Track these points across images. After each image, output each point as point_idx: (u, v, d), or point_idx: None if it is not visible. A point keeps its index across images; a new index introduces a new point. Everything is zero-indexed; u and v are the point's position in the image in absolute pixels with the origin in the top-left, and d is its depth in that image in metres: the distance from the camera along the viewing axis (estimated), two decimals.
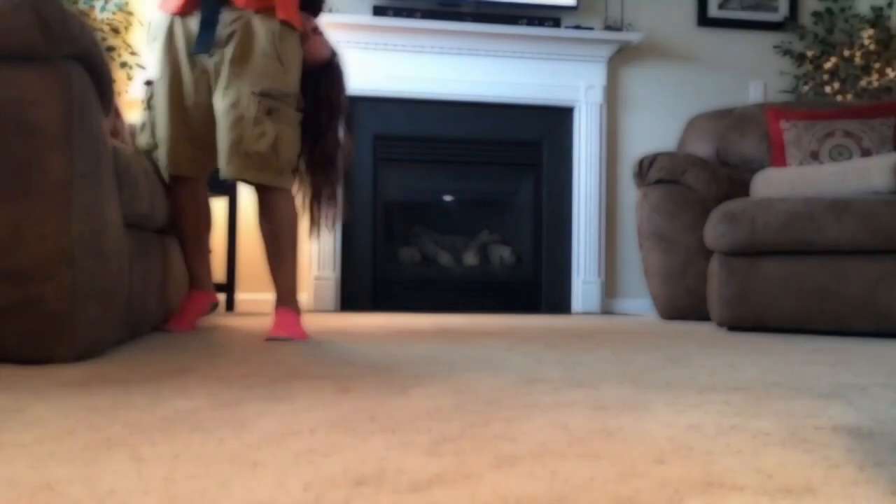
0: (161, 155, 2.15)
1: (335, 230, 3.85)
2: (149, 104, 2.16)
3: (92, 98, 1.51)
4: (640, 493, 0.63)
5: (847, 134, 3.14)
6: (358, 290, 3.95)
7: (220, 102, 2.05)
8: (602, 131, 4.15)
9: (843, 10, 4.22)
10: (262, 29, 2.03)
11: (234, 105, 2.01)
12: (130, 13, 3.70)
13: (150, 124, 2.16)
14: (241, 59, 2.02)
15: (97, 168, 1.50)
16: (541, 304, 4.16)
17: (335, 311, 3.84)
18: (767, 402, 1.12)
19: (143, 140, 2.18)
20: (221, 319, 2.95)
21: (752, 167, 3.50)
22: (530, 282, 4.18)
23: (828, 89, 4.08)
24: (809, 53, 4.15)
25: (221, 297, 3.63)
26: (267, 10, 2.03)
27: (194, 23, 2.07)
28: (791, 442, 0.84)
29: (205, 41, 2.04)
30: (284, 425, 0.89)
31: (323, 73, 2.27)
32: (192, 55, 2.07)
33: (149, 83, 2.16)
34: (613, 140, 4.22)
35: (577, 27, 4.05)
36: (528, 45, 4.03)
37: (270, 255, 2.15)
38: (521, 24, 4.01)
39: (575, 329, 2.71)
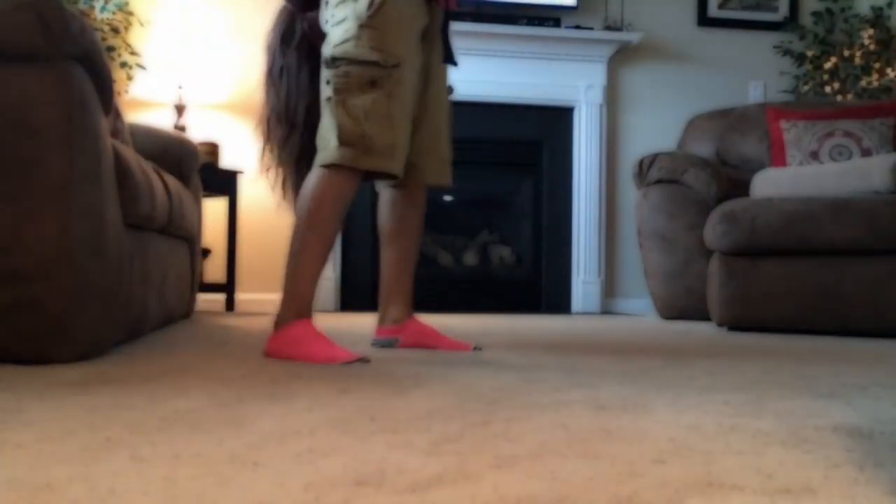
0: (398, 154, 1.71)
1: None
2: (389, 91, 1.68)
3: (92, 98, 1.51)
4: (640, 493, 0.63)
5: (847, 134, 3.14)
6: (358, 290, 3.95)
7: (444, 108, 1.93)
8: (602, 131, 4.15)
9: (843, 10, 4.22)
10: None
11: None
12: (130, 13, 3.70)
13: (391, 116, 1.68)
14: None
15: (97, 168, 1.50)
16: (541, 304, 4.16)
17: (335, 311, 3.84)
18: (767, 402, 1.12)
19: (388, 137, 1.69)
20: (221, 319, 2.95)
21: (752, 167, 3.50)
22: (530, 282, 4.18)
23: (828, 89, 4.08)
24: (809, 53, 4.16)
25: (221, 297, 3.64)
26: None
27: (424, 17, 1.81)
28: (791, 442, 0.84)
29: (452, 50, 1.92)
30: (284, 425, 0.89)
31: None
32: (426, 59, 1.84)
33: (376, 64, 1.67)
34: (613, 140, 4.22)
35: (577, 27, 4.05)
36: (528, 45, 4.03)
37: (413, 254, 1.99)
38: (521, 24, 4.01)
39: (575, 329, 2.71)
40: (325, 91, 1.69)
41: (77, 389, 1.13)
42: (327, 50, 1.70)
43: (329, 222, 1.68)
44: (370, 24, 1.66)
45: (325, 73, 1.70)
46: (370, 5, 1.66)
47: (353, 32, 1.67)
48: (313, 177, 1.69)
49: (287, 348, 1.59)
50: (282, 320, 1.63)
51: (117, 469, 0.68)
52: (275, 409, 0.99)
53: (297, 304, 1.64)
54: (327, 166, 1.67)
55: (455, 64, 1.94)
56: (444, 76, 1.94)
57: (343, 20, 1.69)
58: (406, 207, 1.98)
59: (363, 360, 1.52)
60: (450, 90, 1.99)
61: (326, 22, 1.76)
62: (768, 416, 1.00)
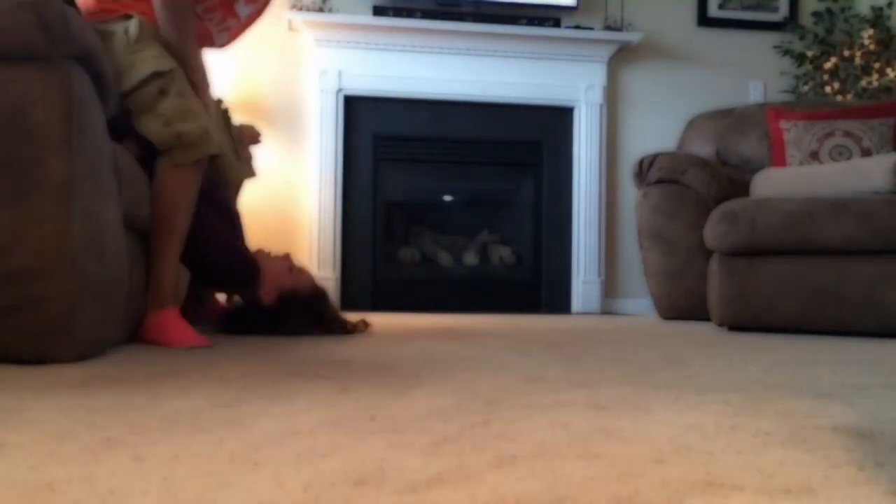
0: (210, 136, 1.96)
1: (335, 231, 3.87)
2: (178, 91, 1.94)
3: (92, 98, 1.51)
4: (640, 493, 0.63)
5: (847, 134, 3.14)
6: (358, 290, 3.95)
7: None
8: (602, 131, 4.15)
9: (843, 10, 4.22)
10: None
11: None
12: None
13: (190, 110, 1.95)
14: None
15: (97, 168, 1.50)
16: (541, 304, 4.16)
17: None
18: (767, 402, 1.12)
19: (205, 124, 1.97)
20: None
21: (752, 167, 3.50)
22: (530, 282, 4.18)
23: (828, 89, 4.08)
24: (809, 53, 4.16)
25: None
26: None
27: None
28: (791, 442, 0.84)
29: None
30: (284, 425, 0.89)
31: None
32: None
33: (156, 74, 1.91)
34: (613, 140, 4.22)
35: (577, 27, 4.05)
36: (528, 45, 4.03)
37: None
38: (521, 24, 4.01)
39: (575, 329, 2.71)
40: (134, 118, 1.92)
41: (77, 389, 1.13)
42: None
43: (182, 218, 1.95)
44: (134, 49, 1.91)
45: (125, 104, 1.92)
46: (128, 39, 1.91)
47: (129, 65, 1.90)
48: (158, 183, 1.93)
49: (156, 332, 1.85)
50: (152, 309, 1.89)
51: (117, 469, 0.68)
52: (275, 409, 0.99)
53: (164, 294, 1.90)
54: (163, 170, 1.92)
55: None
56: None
57: (120, 67, 1.91)
58: None
59: (206, 346, 1.81)
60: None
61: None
62: (768, 416, 1.00)
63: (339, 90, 3.90)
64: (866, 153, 3.07)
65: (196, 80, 2.06)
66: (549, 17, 4.07)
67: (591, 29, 4.06)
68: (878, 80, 3.98)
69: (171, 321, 1.88)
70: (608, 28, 4.11)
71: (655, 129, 4.20)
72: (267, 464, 0.71)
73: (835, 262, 2.60)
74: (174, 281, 1.94)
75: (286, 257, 2.34)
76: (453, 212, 4.52)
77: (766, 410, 1.04)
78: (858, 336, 2.51)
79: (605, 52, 4.10)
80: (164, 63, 1.93)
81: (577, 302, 4.12)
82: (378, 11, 3.92)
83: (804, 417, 0.99)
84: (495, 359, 1.65)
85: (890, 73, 3.97)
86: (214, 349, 1.77)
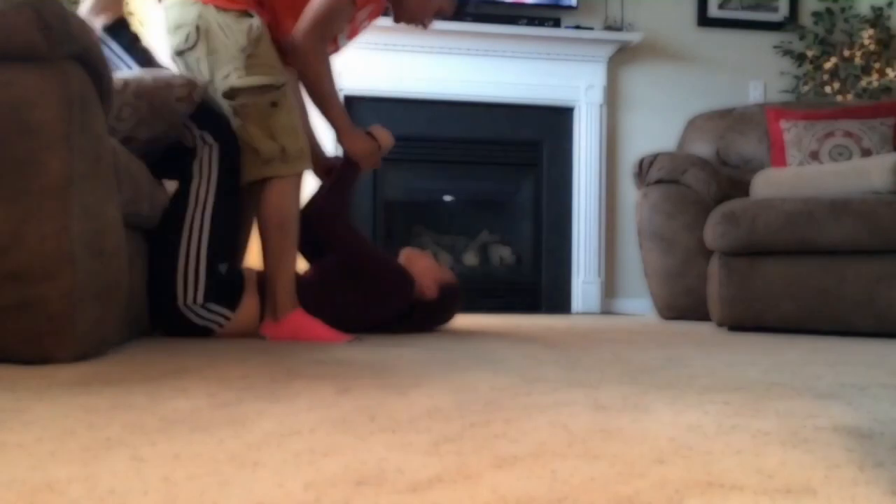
0: (307, 154, 2.04)
1: None
2: (287, 108, 2.00)
3: (92, 98, 1.51)
4: (640, 493, 0.63)
5: (847, 134, 3.14)
6: None
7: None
8: (602, 131, 4.15)
9: (843, 10, 4.22)
10: None
11: None
12: (130, 13, 3.69)
13: (295, 127, 2.02)
14: None
15: (97, 168, 1.50)
16: (541, 304, 4.16)
17: None
18: (767, 402, 1.12)
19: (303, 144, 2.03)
20: None
21: (752, 167, 3.51)
22: (530, 282, 4.19)
23: (828, 89, 4.08)
24: (809, 53, 4.16)
25: None
26: None
27: None
28: (791, 442, 0.84)
29: None
30: (284, 425, 0.89)
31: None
32: None
33: (271, 86, 1.97)
34: (613, 140, 4.22)
35: (577, 27, 4.05)
36: (528, 45, 4.04)
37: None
38: (521, 24, 4.01)
39: (575, 329, 2.71)
40: (235, 121, 1.98)
41: (77, 389, 1.13)
42: (218, 84, 1.96)
43: (294, 225, 2.02)
44: (254, 52, 1.94)
45: (228, 104, 1.97)
46: (249, 38, 1.93)
47: (239, 62, 1.94)
48: (265, 195, 1.99)
49: (293, 333, 1.99)
50: (284, 311, 2.01)
51: (117, 469, 0.68)
52: (275, 409, 0.99)
53: (291, 298, 2.02)
54: (264, 181, 1.98)
55: None
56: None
57: (214, 53, 1.94)
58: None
59: (357, 340, 1.97)
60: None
61: (181, 53, 1.99)
62: (768, 416, 1.00)
63: (339, 90, 3.90)
64: (866, 153, 3.08)
65: (339, 125, 2.18)
66: (549, 17, 4.07)
67: (591, 29, 4.07)
68: (878, 80, 3.98)
69: (307, 321, 2.01)
70: (608, 28, 4.11)
71: (655, 129, 4.20)
72: (267, 464, 0.71)
73: (835, 262, 2.60)
74: (294, 284, 2.03)
75: (426, 254, 2.39)
76: (453, 212, 4.52)
77: (766, 410, 1.04)
78: (858, 336, 2.51)
79: (605, 52, 4.10)
80: (279, 76, 1.98)
81: (577, 302, 4.12)
82: None
83: (804, 417, 0.99)
84: (495, 359, 1.65)
85: (890, 73, 3.97)
86: (215, 349, 1.77)
